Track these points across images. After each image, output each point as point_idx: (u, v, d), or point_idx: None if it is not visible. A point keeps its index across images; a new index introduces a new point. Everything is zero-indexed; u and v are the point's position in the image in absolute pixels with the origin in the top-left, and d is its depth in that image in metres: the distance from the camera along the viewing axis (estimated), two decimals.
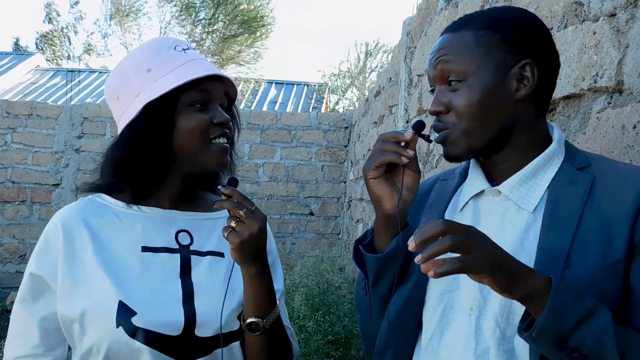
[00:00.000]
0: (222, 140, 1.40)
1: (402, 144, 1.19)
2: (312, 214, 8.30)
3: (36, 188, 7.98)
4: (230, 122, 1.43)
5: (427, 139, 1.22)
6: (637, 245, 1.03)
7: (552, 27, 1.96)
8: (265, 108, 12.22)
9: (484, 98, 1.15)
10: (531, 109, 1.18)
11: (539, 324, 0.96)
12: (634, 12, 1.56)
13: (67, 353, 1.39)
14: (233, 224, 1.28)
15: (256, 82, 13.88)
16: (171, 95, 1.33)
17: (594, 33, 1.72)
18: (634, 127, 1.52)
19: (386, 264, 1.24)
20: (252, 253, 1.31)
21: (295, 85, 14.37)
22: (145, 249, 1.38)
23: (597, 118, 1.70)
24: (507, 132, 1.17)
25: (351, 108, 14.52)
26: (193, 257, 1.42)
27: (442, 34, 1.24)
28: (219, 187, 1.32)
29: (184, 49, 1.41)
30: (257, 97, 13.54)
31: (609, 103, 1.68)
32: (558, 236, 1.09)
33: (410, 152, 1.17)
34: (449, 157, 1.21)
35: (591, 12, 1.76)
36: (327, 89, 14.57)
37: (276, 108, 12.23)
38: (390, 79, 5.50)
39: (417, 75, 4.14)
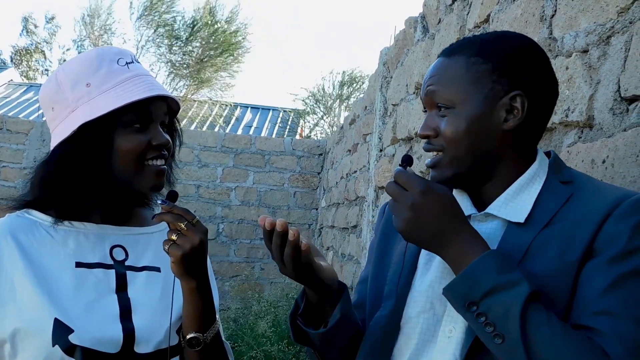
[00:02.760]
0: (159, 162, 1.35)
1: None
2: None
3: (2, 204, 7.80)
4: (170, 142, 1.39)
5: None
6: (595, 249, 1.04)
7: None
8: (239, 132, 12.21)
9: (470, 127, 1.14)
10: (521, 139, 1.18)
11: (450, 283, 1.05)
12: (606, 49, 1.59)
13: None
14: (174, 237, 1.25)
15: (231, 105, 13.89)
16: (109, 114, 1.28)
17: (567, 68, 1.74)
18: (603, 161, 1.54)
19: (335, 333, 1.26)
20: (193, 266, 1.28)
21: (270, 111, 14.41)
22: (79, 264, 1.33)
23: (568, 152, 1.72)
24: (494, 162, 1.17)
25: (324, 135, 14.56)
26: (128, 273, 1.38)
27: (438, 56, 1.24)
28: (159, 202, 1.29)
29: (127, 63, 1.35)
30: (232, 121, 13.54)
31: (580, 137, 1.70)
32: (522, 233, 1.11)
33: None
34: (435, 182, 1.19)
35: (564, 47, 1.79)
36: (299, 114, 14.60)
37: (251, 132, 12.22)
38: (366, 107, 5.54)
39: (393, 104, 4.17)
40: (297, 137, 13.04)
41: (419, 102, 3.40)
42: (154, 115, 1.35)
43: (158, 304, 1.36)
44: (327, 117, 15.20)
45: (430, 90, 1.19)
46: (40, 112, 10.99)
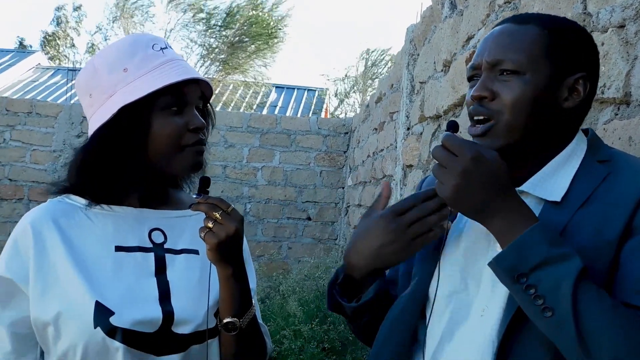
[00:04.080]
0: (197, 147, 1.37)
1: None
2: (309, 218, 8.28)
3: (34, 186, 7.94)
4: (205, 125, 1.40)
5: None
6: (634, 227, 1.02)
7: None
8: (265, 112, 12.21)
9: (535, 97, 1.12)
10: (570, 120, 1.17)
11: (499, 254, 1.02)
12: None
13: (39, 359, 1.35)
14: (210, 225, 1.27)
15: (264, 86, 13.86)
16: (147, 98, 1.30)
17: (602, 44, 1.70)
18: None
19: (366, 309, 1.28)
20: (229, 253, 1.30)
21: (295, 90, 14.37)
22: (118, 248, 1.36)
23: (604, 129, 1.68)
24: (540, 138, 1.15)
25: (352, 114, 14.51)
26: (167, 256, 1.40)
27: (501, 23, 1.21)
28: (194, 196, 1.31)
29: (161, 48, 1.37)
30: (257, 101, 13.53)
31: (616, 114, 1.67)
32: (559, 212, 1.10)
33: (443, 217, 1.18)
34: None
35: (600, 23, 1.74)
36: (327, 94, 14.57)
37: (276, 112, 12.21)
38: (392, 85, 5.49)
39: (420, 82, 4.12)
40: (323, 116, 13.00)
41: (447, 80, 3.35)
42: (189, 98, 1.36)
43: (196, 286, 1.38)
44: (356, 94, 15.16)
45: (500, 50, 1.15)
46: (68, 94, 11.11)
